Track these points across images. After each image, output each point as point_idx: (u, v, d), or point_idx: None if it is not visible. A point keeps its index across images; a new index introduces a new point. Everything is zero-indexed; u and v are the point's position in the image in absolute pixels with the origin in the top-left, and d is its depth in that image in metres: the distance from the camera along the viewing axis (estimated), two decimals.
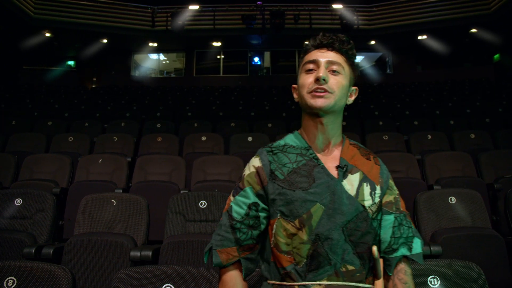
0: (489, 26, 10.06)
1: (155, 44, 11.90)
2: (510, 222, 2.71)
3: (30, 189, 2.64)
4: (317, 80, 0.95)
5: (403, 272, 0.96)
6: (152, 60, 13.78)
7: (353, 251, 0.91)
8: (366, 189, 0.96)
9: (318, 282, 0.89)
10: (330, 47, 1.00)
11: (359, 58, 13.98)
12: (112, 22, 10.61)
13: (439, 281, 1.47)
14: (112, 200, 2.50)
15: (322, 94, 0.95)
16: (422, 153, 4.15)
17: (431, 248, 2.14)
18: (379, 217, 0.98)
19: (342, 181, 0.95)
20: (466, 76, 11.12)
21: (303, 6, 10.81)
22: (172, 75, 13.88)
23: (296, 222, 0.91)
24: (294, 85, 1.08)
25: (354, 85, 1.06)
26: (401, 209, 1.01)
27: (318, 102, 0.94)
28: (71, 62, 13.02)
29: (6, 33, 9.79)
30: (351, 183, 0.95)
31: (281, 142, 1.04)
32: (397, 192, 1.03)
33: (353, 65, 1.03)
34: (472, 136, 4.75)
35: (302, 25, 10.72)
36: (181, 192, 2.91)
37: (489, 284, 2.17)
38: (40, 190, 2.59)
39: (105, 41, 11.28)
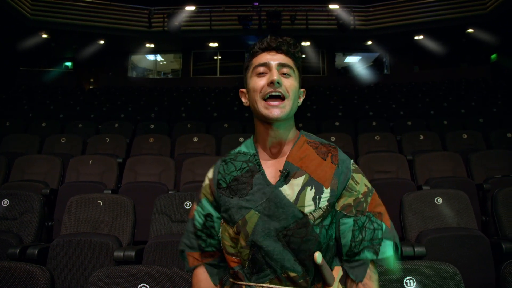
0: (485, 26, 10.06)
1: (152, 45, 11.91)
2: (497, 223, 2.71)
3: (17, 190, 2.66)
4: (271, 83, 0.93)
5: (368, 277, 0.91)
6: (149, 61, 13.80)
7: (293, 258, 0.89)
8: (309, 193, 0.91)
9: (261, 285, 0.90)
10: (278, 49, 0.97)
11: (356, 59, 13.99)
12: (109, 23, 10.62)
13: (415, 283, 1.45)
14: (99, 201, 2.51)
15: (277, 103, 0.92)
16: (413, 153, 4.15)
17: (415, 249, 2.14)
18: (326, 222, 0.92)
19: (281, 186, 0.92)
20: (463, 76, 11.13)
21: (300, 6, 10.83)
22: (169, 76, 13.91)
23: (235, 228, 0.93)
24: (242, 89, 1.05)
25: (301, 87, 1.04)
26: (366, 210, 0.93)
27: (275, 113, 0.92)
28: (68, 63, 13.04)
29: (2, 34, 9.80)
30: (292, 188, 0.92)
31: (237, 149, 1.05)
32: (362, 191, 0.94)
33: (299, 68, 1.01)
34: (465, 136, 4.74)
35: (299, 26, 10.74)
36: (170, 192, 2.93)
37: (473, 285, 2.18)
38: (27, 191, 2.61)
39: (102, 42, 11.29)
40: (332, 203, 0.93)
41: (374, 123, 5.52)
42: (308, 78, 12.34)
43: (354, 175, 0.96)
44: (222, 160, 1.03)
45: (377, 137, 4.57)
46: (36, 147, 4.51)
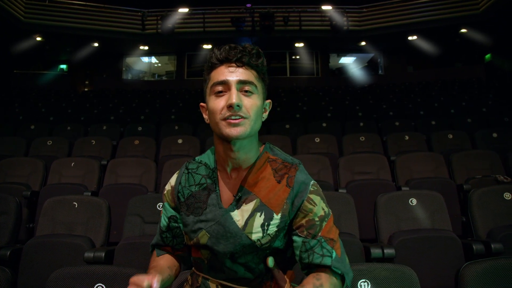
0: (478, 26, 10.08)
1: (146, 47, 11.97)
2: (471, 223, 2.71)
3: None
4: (230, 106, 0.85)
5: (324, 277, 0.88)
6: (144, 63, 13.84)
7: (244, 269, 0.92)
8: (258, 220, 0.89)
9: (216, 280, 0.94)
10: (239, 62, 0.88)
11: (351, 60, 14.00)
12: (103, 26, 10.65)
13: (369, 285, 1.43)
14: (74, 203, 2.54)
15: (238, 121, 0.86)
16: (397, 154, 4.14)
17: (384, 251, 2.12)
18: (276, 244, 0.91)
19: (232, 211, 0.91)
20: (457, 76, 11.14)
21: (293, 7, 10.85)
22: (164, 78, 13.94)
23: (192, 242, 0.97)
24: (202, 104, 0.98)
25: (267, 99, 0.97)
26: (319, 234, 0.89)
27: (234, 132, 0.86)
28: (63, 66, 13.07)
29: None
30: (241, 214, 0.90)
31: (200, 157, 1.03)
32: (319, 214, 0.90)
33: (264, 78, 0.94)
34: (450, 136, 4.72)
35: (292, 27, 10.77)
36: (148, 194, 2.95)
37: (442, 286, 2.17)
38: (3, 193, 2.63)
39: (96, 44, 11.33)
40: (281, 228, 0.90)
41: (361, 124, 5.51)
42: (301, 79, 12.37)
43: (311, 196, 0.91)
44: (186, 168, 1.02)
45: (362, 138, 4.57)
46: (22, 149, 4.53)
